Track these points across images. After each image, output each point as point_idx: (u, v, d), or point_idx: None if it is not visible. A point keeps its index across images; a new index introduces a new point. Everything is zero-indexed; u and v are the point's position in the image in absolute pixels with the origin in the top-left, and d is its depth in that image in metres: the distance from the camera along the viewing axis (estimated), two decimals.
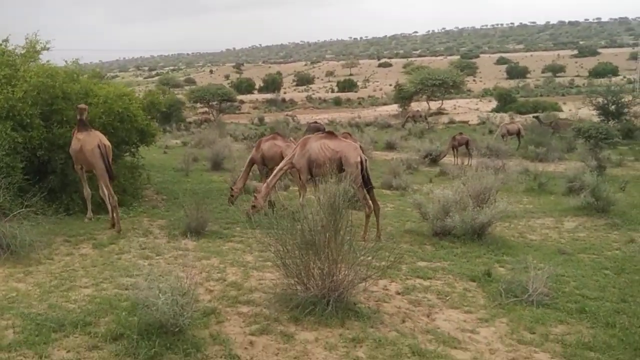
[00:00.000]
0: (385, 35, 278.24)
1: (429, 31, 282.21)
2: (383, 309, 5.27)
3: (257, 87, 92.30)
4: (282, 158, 11.11)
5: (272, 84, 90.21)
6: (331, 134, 9.78)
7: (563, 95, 71.38)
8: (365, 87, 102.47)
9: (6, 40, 10.56)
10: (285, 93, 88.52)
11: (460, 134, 24.27)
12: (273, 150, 11.58)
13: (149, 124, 11.18)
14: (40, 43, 10.30)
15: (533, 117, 37.99)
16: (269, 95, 79.92)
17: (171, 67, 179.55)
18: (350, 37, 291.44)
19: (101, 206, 9.27)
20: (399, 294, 5.80)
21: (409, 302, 5.59)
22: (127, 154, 11.32)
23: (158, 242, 7.74)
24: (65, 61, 10.57)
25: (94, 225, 8.59)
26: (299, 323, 4.79)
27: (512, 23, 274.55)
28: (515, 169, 18.13)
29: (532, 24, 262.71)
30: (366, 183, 9.23)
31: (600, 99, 31.02)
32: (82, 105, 8.69)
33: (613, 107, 30.42)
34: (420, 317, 5.20)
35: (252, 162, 12.04)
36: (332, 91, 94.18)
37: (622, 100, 30.64)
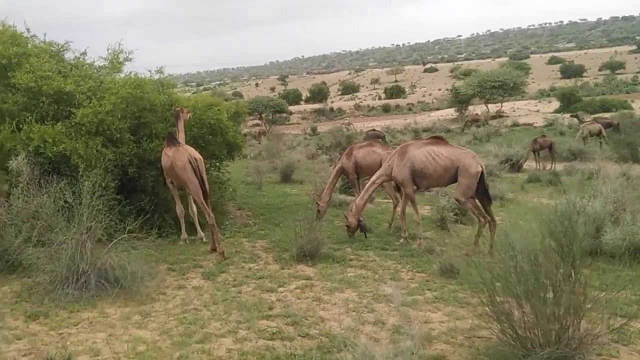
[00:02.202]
0: (428, 41, 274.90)
1: (473, 34, 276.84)
2: None
3: (303, 97, 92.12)
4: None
5: (319, 93, 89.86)
6: (439, 140, 8.58)
7: (628, 92, 67.20)
8: (413, 93, 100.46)
9: (84, 53, 9.99)
10: (332, 102, 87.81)
11: (543, 136, 22.52)
12: (371, 159, 10.42)
13: (236, 135, 10.30)
14: (123, 53, 9.63)
15: (571, 116, 35.70)
16: (316, 105, 79.43)
17: (217, 82, 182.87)
18: (393, 44, 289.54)
19: (193, 226, 8.43)
20: (616, 342, 4.48)
21: None
22: (213, 168, 10.47)
23: (271, 268, 6.72)
24: (150, 71, 9.86)
25: (193, 249, 7.70)
26: None
27: (560, 21, 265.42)
28: (612, 173, 16.27)
29: (582, 21, 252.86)
30: (487, 196, 8.03)
31: None
32: (178, 108, 7.95)
33: None
34: None
35: (340, 173, 10.95)
36: (380, 98, 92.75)
37: None
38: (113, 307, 5.18)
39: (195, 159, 7.60)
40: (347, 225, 8.51)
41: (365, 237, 8.51)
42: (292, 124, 64.29)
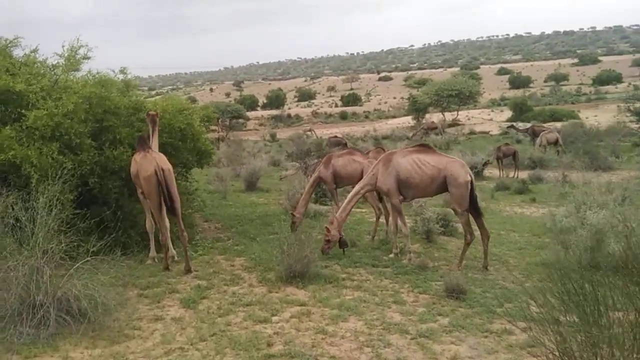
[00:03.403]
0: (382, 50, 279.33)
1: (425, 44, 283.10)
2: None
3: (260, 103, 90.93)
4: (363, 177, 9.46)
5: (276, 100, 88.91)
6: (425, 147, 8.11)
7: (572, 103, 70.11)
8: (369, 101, 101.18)
9: (36, 50, 8.91)
10: (289, 109, 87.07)
11: (506, 144, 22.82)
12: (351, 168, 9.80)
13: (206, 142, 9.45)
14: (83, 49, 8.59)
15: (508, 127, 37.27)
16: (273, 112, 78.46)
17: (170, 87, 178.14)
18: (347, 53, 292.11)
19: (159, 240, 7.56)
20: None
21: None
22: (180, 177, 9.57)
23: (257, 292, 5.98)
24: (113, 71, 8.88)
25: (162, 270, 6.83)
26: None
27: (507, 34, 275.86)
28: (578, 181, 16.41)
29: (527, 35, 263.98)
30: (475, 207, 7.60)
31: (638, 104, 29.53)
32: (153, 112, 7.10)
33: None
34: None
35: (317, 183, 10.32)
36: (336, 106, 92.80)
37: None
38: (79, 349, 4.29)
39: (163, 170, 6.76)
40: (327, 240, 7.82)
41: (344, 252, 7.84)
42: (250, 130, 63.08)
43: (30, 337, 4.37)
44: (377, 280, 6.59)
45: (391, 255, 7.85)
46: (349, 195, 8.07)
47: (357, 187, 8.06)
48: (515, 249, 8.66)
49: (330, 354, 4.18)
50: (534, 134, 28.60)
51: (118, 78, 8.92)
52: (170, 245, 7.15)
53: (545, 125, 33.73)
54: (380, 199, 9.39)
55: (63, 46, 8.67)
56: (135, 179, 7.06)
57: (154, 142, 7.21)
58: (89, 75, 8.27)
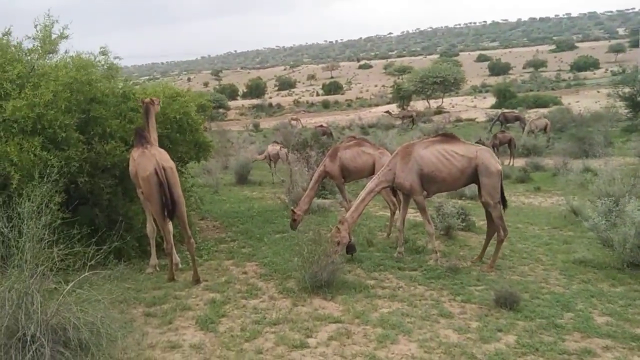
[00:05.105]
0: (361, 38, 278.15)
1: (403, 32, 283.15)
2: None
3: (240, 93, 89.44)
4: (374, 171, 8.68)
5: (256, 89, 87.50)
6: (449, 137, 7.36)
7: (553, 89, 70.60)
8: (350, 89, 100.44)
9: (8, 33, 7.86)
10: (270, 98, 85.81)
11: (502, 131, 22.35)
12: (361, 160, 9.01)
13: (204, 133, 8.58)
14: (57, 26, 7.54)
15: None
16: (254, 101, 77.17)
17: (147, 77, 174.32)
18: (326, 41, 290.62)
19: (160, 246, 6.73)
20: None
21: None
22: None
23: (281, 306, 5.21)
24: (93, 54, 7.87)
25: (167, 281, 6.01)
26: None
27: (484, 21, 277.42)
28: (576, 169, 15.98)
29: (504, 22, 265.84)
30: (503, 198, 6.96)
31: (627, 89, 29.28)
32: (147, 99, 6.22)
33: None
34: None
35: (322, 177, 9.50)
36: (317, 94, 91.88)
37: None
38: None
39: (164, 168, 5.90)
40: (337, 242, 6.62)
41: (352, 257, 6.89)
42: (231, 120, 61.69)
43: None
44: (410, 287, 5.88)
45: (395, 254, 7.13)
46: (362, 194, 7.09)
47: (371, 184, 7.15)
48: (542, 245, 8.04)
49: None
50: (505, 120, 28.32)
51: (99, 61, 7.91)
52: (175, 253, 6.31)
53: (515, 111, 33.68)
54: (395, 193, 8.65)
55: (36, 26, 7.65)
56: (134, 179, 6.21)
57: (152, 135, 6.32)
58: (66, 57, 7.28)
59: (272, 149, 17.19)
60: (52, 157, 5.91)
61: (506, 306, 5.03)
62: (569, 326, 4.59)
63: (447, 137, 7.36)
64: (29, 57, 7.63)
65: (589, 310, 5.07)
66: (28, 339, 3.63)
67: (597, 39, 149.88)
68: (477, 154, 6.84)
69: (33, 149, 5.87)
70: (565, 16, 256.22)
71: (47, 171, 5.19)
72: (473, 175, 6.87)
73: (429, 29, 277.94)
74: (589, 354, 3.99)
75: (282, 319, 4.80)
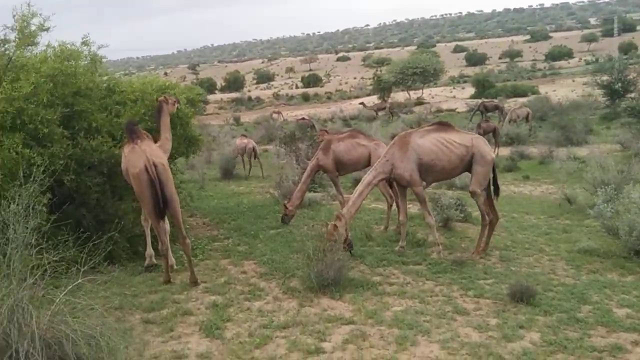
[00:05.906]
0: (338, 30, 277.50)
1: (380, 24, 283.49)
2: None
3: (218, 86, 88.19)
4: (370, 163, 8.45)
5: (235, 82, 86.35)
6: (445, 125, 7.24)
7: (529, 79, 71.43)
8: (329, 82, 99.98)
9: None
10: (249, 91, 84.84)
11: (486, 121, 22.30)
12: (356, 153, 8.78)
13: (194, 128, 8.21)
14: (37, 18, 7.07)
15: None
16: (233, 95, 76.15)
17: (122, 72, 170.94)
18: (303, 33, 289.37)
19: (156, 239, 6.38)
20: None
21: None
22: None
23: (287, 307, 4.94)
24: (74, 45, 7.40)
25: (163, 283, 5.67)
26: None
27: (460, 12, 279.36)
28: (562, 156, 16.04)
29: (479, 12, 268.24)
30: (495, 187, 6.97)
31: (605, 77, 29.61)
32: (163, 97, 5.96)
33: (619, 85, 29.09)
34: None
35: (315, 171, 9.24)
36: (297, 87, 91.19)
37: (628, 77, 29.33)
38: None
39: (155, 165, 5.54)
40: (334, 239, 6.51)
41: (351, 254, 6.51)
42: (210, 114, 60.74)
43: None
44: (417, 282, 5.67)
45: (397, 248, 6.93)
46: (359, 187, 6.81)
47: (368, 177, 6.87)
48: (541, 234, 7.92)
49: None
50: (486, 109, 28.49)
51: (82, 52, 7.44)
52: (170, 254, 5.96)
53: (495, 100, 33.91)
54: (391, 185, 8.43)
55: (14, 16, 7.16)
56: (126, 177, 5.87)
57: (165, 135, 6.10)
58: (48, 49, 6.84)
59: (240, 142, 16.68)
60: (35, 155, 5.50)
61: (522, 300, 4.85)
62: (590, 320, 4.43)
63: (443, 125, 7.26)
64: (2, 48, 7.16)
65: (605, 302, 4.93)
66: (21, 357, 3.29)
67: (570, 29, 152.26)
68: (473, 142, 6.82)
69: (14, 146, 5.47)
70: (539, 7, 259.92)
71: (32, 170, 4.81)
72: (469, 164, 6.78)
73: (406, 21, 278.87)
74: (619, 350, 3.82)
75: (290, 321, 4.53)
